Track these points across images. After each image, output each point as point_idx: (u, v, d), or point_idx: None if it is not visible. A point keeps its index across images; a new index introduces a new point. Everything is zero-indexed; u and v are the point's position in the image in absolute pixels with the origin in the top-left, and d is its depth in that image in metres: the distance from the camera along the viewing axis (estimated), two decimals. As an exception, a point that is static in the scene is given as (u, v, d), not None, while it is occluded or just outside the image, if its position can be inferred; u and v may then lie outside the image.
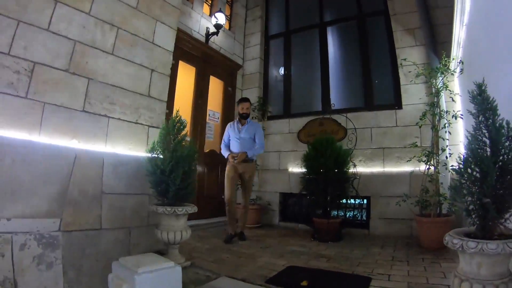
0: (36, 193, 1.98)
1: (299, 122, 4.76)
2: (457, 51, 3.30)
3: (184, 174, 2.33)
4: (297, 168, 4.46)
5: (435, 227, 2.83)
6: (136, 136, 2.69)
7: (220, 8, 4.81)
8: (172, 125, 2.43)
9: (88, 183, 2.24)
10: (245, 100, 3.66)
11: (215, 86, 4.94)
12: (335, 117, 4.48)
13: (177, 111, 2.61)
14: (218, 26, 4.49)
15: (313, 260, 2.66)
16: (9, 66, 1.97)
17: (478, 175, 1.30)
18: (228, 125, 3.69)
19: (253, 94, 5.17)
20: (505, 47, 1.77)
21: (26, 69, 2.04)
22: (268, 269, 2.40)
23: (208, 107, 4.72)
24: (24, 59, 2.04)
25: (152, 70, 2.89)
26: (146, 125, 2.79)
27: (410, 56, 3.89)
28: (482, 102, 1.34)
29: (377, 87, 4.38)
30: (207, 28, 4.67)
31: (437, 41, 4.10)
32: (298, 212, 4.44)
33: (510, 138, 1.27)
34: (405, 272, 2.25)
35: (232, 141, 3.55)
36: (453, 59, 3.35)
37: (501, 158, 1.27)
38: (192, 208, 2.39)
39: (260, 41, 5.41)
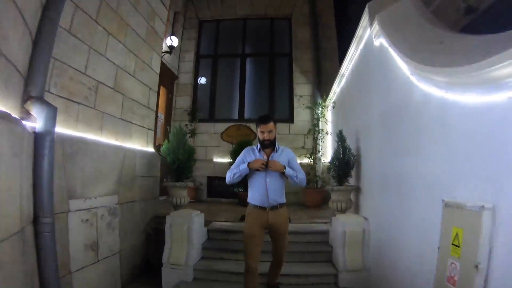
0: (108, 179, 3.19)
1: (222, 126, 6.88)
2: (333, 96, 6.12)
3: (188, 162, 3.94)
4: (220, 159, 6.46)
5: (315, 194, 5.61)
6: (143, 136, 4.02)
7: (174, 32, 6.12)
8: (180, 132, 3.94)
9: (130, 170, 3.54)
10: (266, 119, 2.62)
11: (162, 93, 6.19)
12: (248, 124, 6.77)
13: (173, 122, 4.10)
14: (172, 47, 5.82)
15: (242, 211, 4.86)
16: (85, 83, 3.03)
17: (337, 163, 3.78)
18: (246, 151, 2.78)
19: (186, 101, 6.94)
20: (356, 106, 4.42)
21: (94, 86, 3.14)
22: (230, 216, 4.37)
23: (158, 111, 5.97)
24: (93, 79, 3.13)
25: (150, 88, 4.22)
26: (147, 128, 4.12)
27: (302, 89, 6.68)
28: (340, 137, 3.85)
29: (278, 106, 6.95)
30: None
31: (321, 82, 7.00)
32: (222, 190, 6.46)
33: (349, 151, 3.79)
34: (305, 213, 4.75)
35: (253, 181, 2.65)
36: (330, 99, 6.18)
37: (345, 158, 3.79)
38: (192, 183, 4.03)
39: (193, 58, 7.15)
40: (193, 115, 6.77)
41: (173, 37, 5.87)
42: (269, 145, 2.63)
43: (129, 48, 3.66)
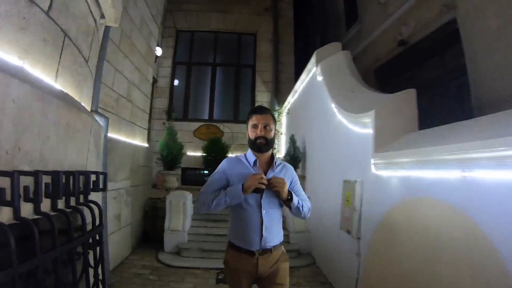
0: (125, 167, 4.53)
1: (194, 125, 8.37)
2: (287, 104, 7.88)
3: (179, 155, 5.34)
4: (192, 153, 7.89)
5: None
6: (142, 134, 5.31)
7: (159, 43, 7.23)
8: (173, 131, 5.29)
9: (137, 161, 4.88)
10: (262, 108, 1.90)
11: (143, 94, 7.33)
12: (217, 124, 8.24)
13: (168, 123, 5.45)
14: (156, 57, 6.94)
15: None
16: (112, 96, 4.26)
17: (289, 158, 5.53)
18: (229, 162, 1.95)
19: (163, 102, 8.28)
20: (303, 117, 6.20)
21: (117, 98, 4.36)
22: None
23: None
24: (116, 92, 4.37)
25: (145, 95, 5.47)
26: (144, 128, 5.39)
27: (262, 96, 8.44)
28: (292, 140, 5.62)
29: (242, 110, 8.62)
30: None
31: (279, 91, 8.77)
32: (194, 179, 7.89)
33: (298, 150, 5.55)
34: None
35: (240, 209, 1.81)
36: (285, 107, 7.93)
37: (295, 155, 5.54)
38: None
39: (170, 64, 8.47)
40: (169, 114, 8.16)
41: (158, 48, 7.00)
42: (264, 148, 1.80)
43: (136, 65, 4.89)
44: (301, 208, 1.86)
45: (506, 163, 1.57)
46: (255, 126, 1.82)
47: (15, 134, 1.18)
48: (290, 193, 1.80)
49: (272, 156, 1.93)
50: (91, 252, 1.67)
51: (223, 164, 1.93)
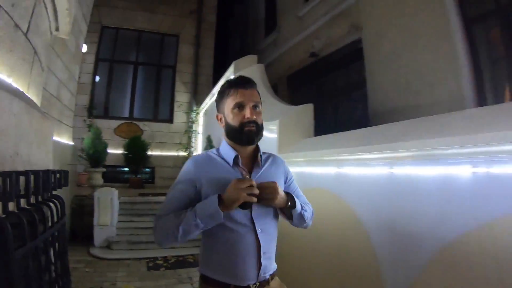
0: (56, 166, 4.64)
1: (115, 122, 8.36)
2: (205, 106, 8.42)
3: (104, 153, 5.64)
4: (113, 150, 7.96)
5: None
6: (68, 132, 5.43)
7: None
8: (98, 129, 5.58)
9: (65, 159, 5.03)
10: (248, 81, 1.28)
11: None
12: (137, 122, 8.53)
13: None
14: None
15: (135, 192, 6.68)
16: (44, 96, 4.41)
17: None
18: (195, 163, 1.28)
19: (84, 99, 8.00)
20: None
21: (49, 98, 4.50)
22: (130, 193, 6.20)
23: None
24: (48, 92, 4.44)
25: (72, 94, 5.58)
26: (70, 126, 5.52)
27: (182, 97, 8.93)
28: (208, 140, 6.44)
29: (161, 109, 8.97)
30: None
31: (197, 92, 9.24)
32: (115, 176, 7.96)
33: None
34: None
35: (222, 231, 1.21)
36: (202, 108, 8.53)
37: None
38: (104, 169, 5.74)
39: (93, 60, 8.19)
40: (91, 112, 8.00)
41: (84, 45, 6.90)
42: (256, 139, 1.25)
43: (65, 64, 5.00)
44: (304, 215, 1.32)
45: (364, 163, 2.37)
46: (240, 106, 1.21)
47: (15, 142, 1.51)
48: (290, 197, 1.25)
49: (257, 148, 1.31)
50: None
51: (188, 167, 1.25)
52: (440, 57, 4.03)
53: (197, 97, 9.11)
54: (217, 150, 1.32)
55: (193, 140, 8.69)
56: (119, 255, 4.71)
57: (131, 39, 8.98)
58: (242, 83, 1.26)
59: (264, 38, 9.21)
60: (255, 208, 1.21)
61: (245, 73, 5.80)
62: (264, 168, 1.32)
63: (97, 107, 8.31)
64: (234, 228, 1.19)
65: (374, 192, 2.26)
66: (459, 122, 1.94)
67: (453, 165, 1.83)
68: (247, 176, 1.24)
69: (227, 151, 1.28)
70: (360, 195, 2.41)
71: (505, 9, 3.57)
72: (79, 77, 7.88)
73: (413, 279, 1.97)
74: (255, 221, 1.22)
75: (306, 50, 6.72)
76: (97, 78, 8.49)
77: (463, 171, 1.77)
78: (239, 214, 1.19)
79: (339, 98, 5.96)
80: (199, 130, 8.69)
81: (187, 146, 8.67)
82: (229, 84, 1.28)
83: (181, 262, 4.53)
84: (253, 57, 6.04)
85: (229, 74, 6.15)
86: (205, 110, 8.29)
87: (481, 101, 3.65)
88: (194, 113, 8.73)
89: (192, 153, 8.69)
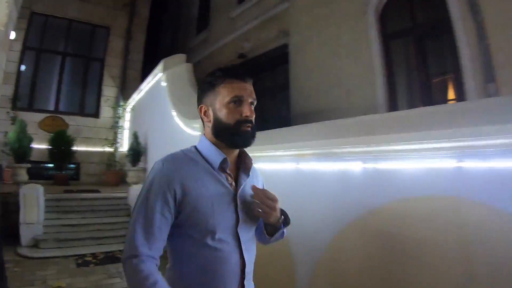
0: None
1: (40, 115, 7.58)
2: (132, 101, 8.00)
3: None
4: (37, 145, 7.05)
5: (114, 175, 7.55)
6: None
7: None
8: (23, 123, 5.04)
9: None
10: (245, 73, 1.04)
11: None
12: (63, 116, 7.82)
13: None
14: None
15: (60, 189, 6.17)
16: None
17: (132, 152, 6.18)
18: (172, 172, 0.96)
19: (8, 89, 7.09)
20: (147, 115, 6.79)
21: None
22: (55, 190, 5.67)
23: None
24: None
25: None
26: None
27: (109, 91, 8.35)
28: (135, 136, 6.25)
29: (88, 103, 8.30)
30: None
31: (125, 87, 8.70)
32: (39, 173, 7.19)
33: (140, 145, 6.19)
34: (109, 189, 6.66)
35: (200, 249, 0.95)
36: (129, 103, 8.10)
37: (137, 149, 6.17)
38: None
39: (20, 48, 7.31)
40: (15, 103, 7.12)
41: (13, 32, 5.95)
42: (252, 140, 1.04)
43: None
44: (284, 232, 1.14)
45: (276, 159, 2.61)
46: (237, 101, 1.00)
47: None
48: (284, 214, 1.11)
49: (244, 152, 1.10)
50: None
51: (163, 172, 0.96)
52: (358, 67, 4.47)
53: (125, 92, 8.63)
54: (196, 149, 1.06)
55: (119, 136, 8.22)
56: (48, 253, 4.48)
57: (61, 28, 8.20)
58: (241, 74, 1.02)
59: (196, 36, 9.14)
60: (241, 221, 0.99)
61: (174, 71, 5.77)
62: (251, 175, 1.10)
63: (22, 99, 7.42)
64: (218, 247, 0.95)
65: (284, 183, 2.50)
66: (353, 126, 2.26)
67: (347, 161, 2.15)
68: (233, 183, 1.03)
69: (212, 152, 1.02)
70: (271, 186, 2.65)
71: (420, 26, 4.08)
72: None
73: (319, 258, 2.27)
74: (240, 237, 0.99)
75: (236, 51, 6.90)
76: (23, 67, 7.60)
77: (355, 166, 2.10)
78: (225, 230, 0.96)
79: (265, 98, 6.22)
80: (125, 126, 8.29)
81: (113, 142, 8.19)
82: (225, 73, 1.01)
83: (110, 258, 4.49)
84: (182, 56, 6.00)
85: (158, 72, 6.02)
86: (133, 106, 7.94)
87: (393, 107, 4.14)
88: (121, 108, 8.26)
89: (118, 149, 8.21)
